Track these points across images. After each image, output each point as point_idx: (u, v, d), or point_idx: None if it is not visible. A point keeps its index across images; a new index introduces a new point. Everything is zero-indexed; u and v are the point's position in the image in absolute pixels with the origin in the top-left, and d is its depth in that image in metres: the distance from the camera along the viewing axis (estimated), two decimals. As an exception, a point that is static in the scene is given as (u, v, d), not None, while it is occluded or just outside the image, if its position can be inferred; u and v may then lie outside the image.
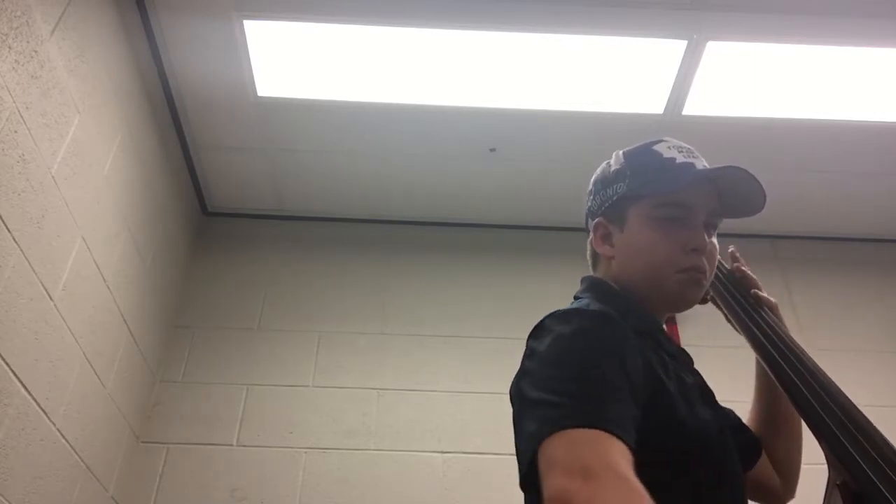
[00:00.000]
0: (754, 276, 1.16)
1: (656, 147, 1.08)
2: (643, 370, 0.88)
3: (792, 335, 1.05)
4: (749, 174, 1.01)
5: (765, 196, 1.04)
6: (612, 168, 1.12)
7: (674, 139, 1.10)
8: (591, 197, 1.15)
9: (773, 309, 1.12)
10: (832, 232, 3.07)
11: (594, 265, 1.15)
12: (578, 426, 0.75)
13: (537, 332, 0.93)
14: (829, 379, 0.95)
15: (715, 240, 1.06)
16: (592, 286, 1.08)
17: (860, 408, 0.90)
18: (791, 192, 2.82)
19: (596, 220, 1.12)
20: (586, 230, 1.17)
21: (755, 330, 1.06)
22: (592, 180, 1.17)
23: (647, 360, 0.91)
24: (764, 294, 1.13)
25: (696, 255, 1.01)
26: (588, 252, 1.16)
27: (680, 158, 1.05)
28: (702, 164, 1.06)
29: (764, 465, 1.13)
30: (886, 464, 0.81)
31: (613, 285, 1.06)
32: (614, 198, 1.09)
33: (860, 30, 2.22)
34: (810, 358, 0.99)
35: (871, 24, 2.21)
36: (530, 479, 0.77)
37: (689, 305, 1.06)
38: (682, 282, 1.01)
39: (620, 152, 1.13)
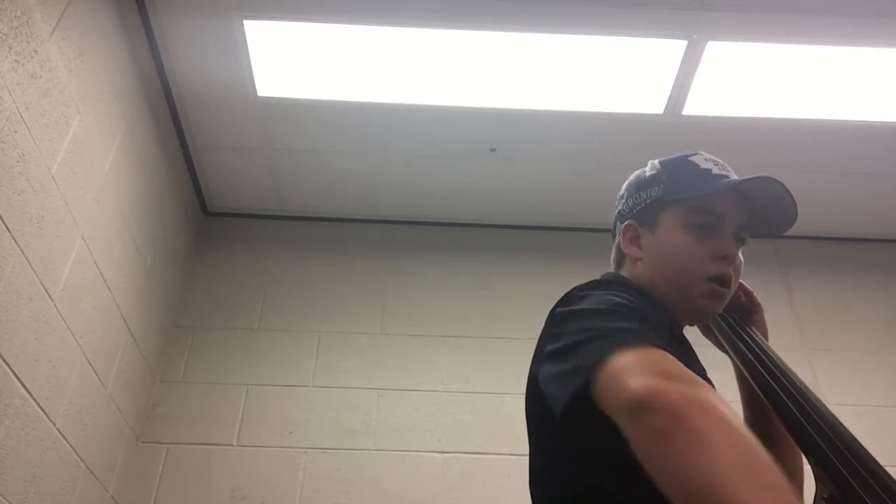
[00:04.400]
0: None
1: (693, 158, 1.11)
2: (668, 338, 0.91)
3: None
4: (783, 187, 1.03)
5: (796, 213, 1.06)
6: (648, 174, 1.14)
7: (709, 154, 1.12)
8: (623, 200, 1.17)
9: (759, 313, 1.16)
10: (832, 232, 3.07)
11: (618, 267, 1.17)
12: (638, 345, 0.77)
13: (555, 319, 0.96)
14: (815, 394, 0.97)
15: (741, 255, 1.08)
16: (611, 281, 1.09)
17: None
18: (791, 192, 2.81)
19: (626, 222, 1.14)
20: (612, 233, 1.19)
21: (743, 348, 1.08)
22: (625, 185, 1.19)
23: (671, 336, 0.94)
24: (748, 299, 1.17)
25: (724, 264, 1.03)
26: (613, 254, 1.18)
27: (716, 170, 1.08)
28: (735, 178, 1.08)
29: None
30: (871, 477, 0.83)
31: (633, 282, 1.08)
32: (648, 201, 1.11)
33: (860, 30, 2.22)
34: (796, 374, 1.01)
35: (871, 24, 2.21)
36: (575, 412, 0.79)
37: (705, 318, 1.09)
38: (705, 293, 1.03)
39: (656, 161, 1.15)
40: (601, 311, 0.88)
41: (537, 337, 1.03)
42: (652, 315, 0.91)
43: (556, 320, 0.95)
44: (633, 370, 0.73)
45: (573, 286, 1.11)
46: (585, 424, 0.81)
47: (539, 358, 0.97)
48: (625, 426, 0.71)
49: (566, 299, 0.98)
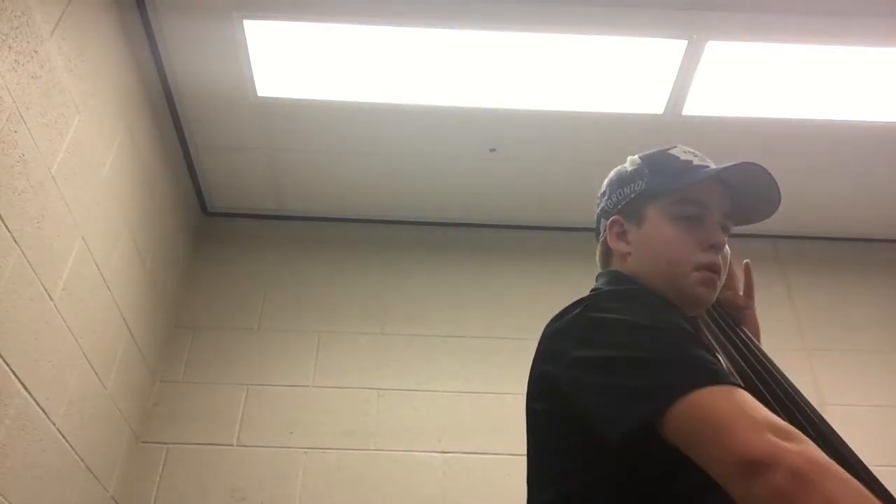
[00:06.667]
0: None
1: (672, 151, 1.12)
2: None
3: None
4: (766, 172, 1.04)
5: (779, 199, 1.06)
6: (629, 169, 1.14)
7: (687, 147, 1.13)
8: (606, 197, 1.17)
9: (750, 308, 1.17)
10: (832, 232, 3.07)
11: (605, 265, 1.16)
12: (723, 384, 0.77)
13: (585, 322, 0.93)
14: (800, 393, 0.98)
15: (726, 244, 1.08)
16: (615, 279, 1.09)
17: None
18: (791, 192, 2.79)
19: (611, 218, 1.14)
20: (596, 231, 1.18)
21: (729, 346, 1.08)
22: (606, 181, 1.18)
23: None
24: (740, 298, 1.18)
25: (712, 253, 1.04)
26: (598, 251, 1.18)
27: (696, 161, 1.09)
28: (716, 167, 1.08)
29: None
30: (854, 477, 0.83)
31: (634, 278, 1.07)
32: (632, 195, 1.11)
33: (860, 30, 2.22)
34: (783, 373, 1.02)
35: (871, 24, 2.21)
36: (634, 437, 0.79)
37: (700, 307, 1.08)
38: (696, 281, 1.03)
39: (636, 156, 1.15)
40: (652, 328, 0.87)
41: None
42: (688, 325, 0.91)
43: (586, 324, 0.92)
44: (735, 420, 0.73)
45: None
46: (635, 447, 0.80)
47: (552, 357, 0.95)
48: (727, 479, 0.72)
49: (594, 303, 0.95)
